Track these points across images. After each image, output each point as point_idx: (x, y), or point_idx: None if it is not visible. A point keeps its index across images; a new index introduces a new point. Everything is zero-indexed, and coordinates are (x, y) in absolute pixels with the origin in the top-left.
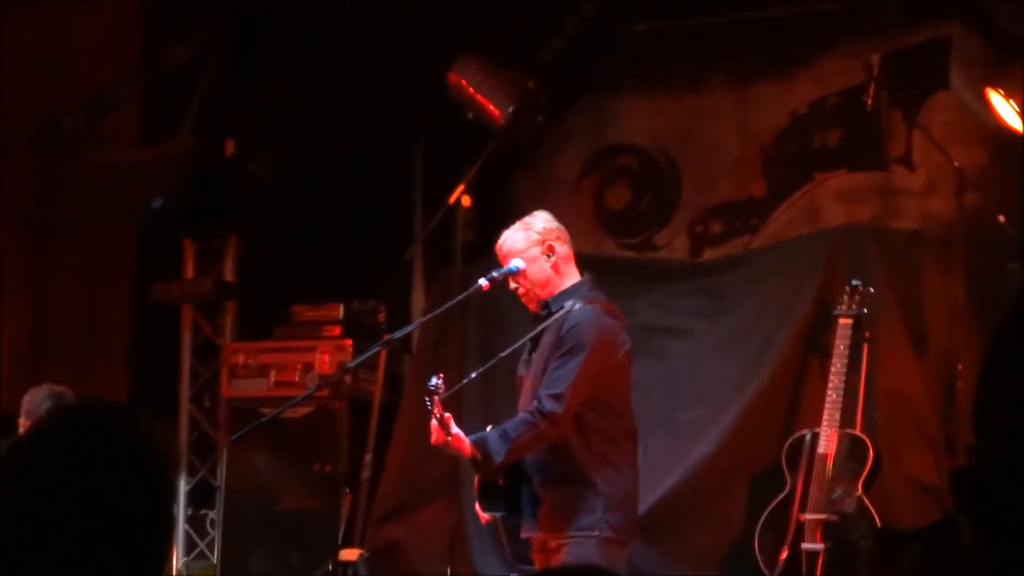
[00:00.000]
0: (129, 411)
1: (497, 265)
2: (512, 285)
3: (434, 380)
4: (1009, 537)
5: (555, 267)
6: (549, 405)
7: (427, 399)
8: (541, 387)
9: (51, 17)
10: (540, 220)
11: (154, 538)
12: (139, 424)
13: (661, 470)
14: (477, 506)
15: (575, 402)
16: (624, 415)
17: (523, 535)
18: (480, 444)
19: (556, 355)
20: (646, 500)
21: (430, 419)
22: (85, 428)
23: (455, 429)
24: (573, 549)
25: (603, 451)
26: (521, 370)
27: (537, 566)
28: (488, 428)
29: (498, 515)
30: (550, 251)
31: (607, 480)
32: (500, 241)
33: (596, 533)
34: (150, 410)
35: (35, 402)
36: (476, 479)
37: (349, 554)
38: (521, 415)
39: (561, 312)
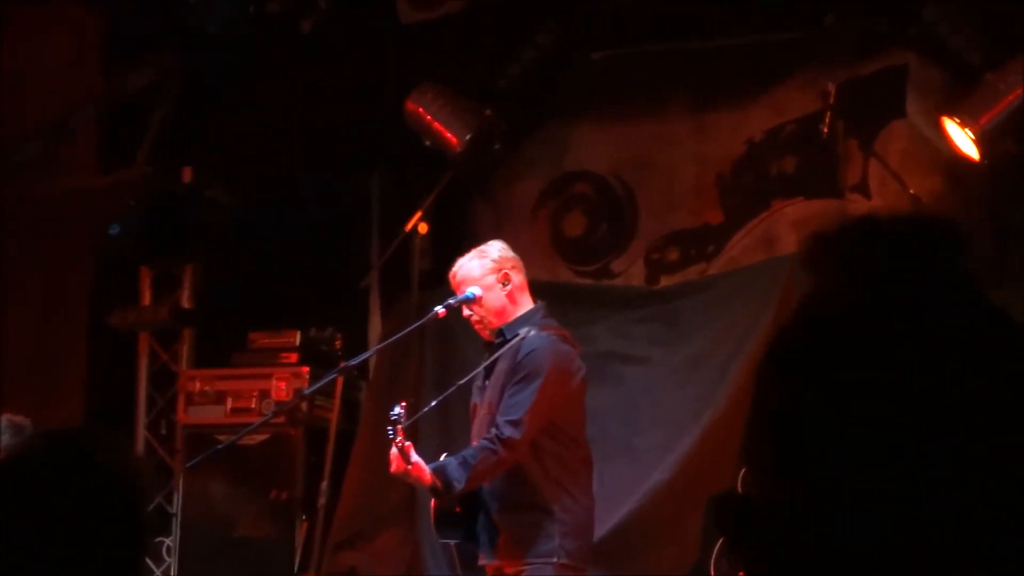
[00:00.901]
0: (106, 437)
1: (454, 293)
2: (466, 313)
3: (397, 409)
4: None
5: (510, 295)
6: (507, 431)
7: (389, 428)
8: (498, 414)
9: (7, 45)
10: (495, 249)
11: (126, 562)
12: (115, 450)
13: (618, 496)
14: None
15: (533, 428)
16: (580, 442)
17: (480, 562)
18: (440, 472)
19: (512, 382)
20: (603, 526)
21: (389, 448)
22: (62, 454)
23: (415, 457)
24: None
25: (560, 478)
26: (475, 397)
27: None
28: (444, 456)
29: (453, 543)
30: (505, 279)
31: (564, 507)
32: (454, 269)
33: (554, 560)
34: (124, 437)
35: None
36: (432, 507)
37: None
38: (480, 442)
39: (516, 339)
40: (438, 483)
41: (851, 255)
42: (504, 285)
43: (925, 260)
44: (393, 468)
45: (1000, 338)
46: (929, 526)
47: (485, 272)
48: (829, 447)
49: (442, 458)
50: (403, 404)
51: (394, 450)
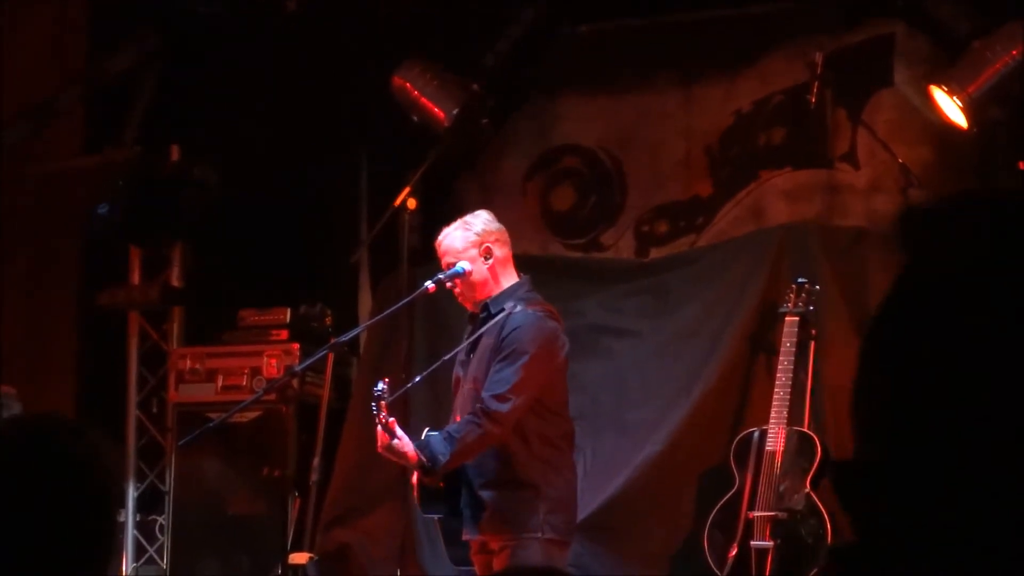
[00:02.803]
0: (74, 426)
1: (442, 268)
2: (448, 285)
3: (380, 385)
4: (888, 535)
5: (491, 269)
6: (493, 405)
7: (373, 404)
8: (484, 390)
9: None
10: (480, 221)
11: (96, 550)
12: (83, 439)
13: (610, 470)
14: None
15: (518, 403)
16: (563, 416)
17: (464, 537)
18: (424, 447)
19: (498, 358)
20: (595, 500)
21: (376, 425)
22: (29, 442)
23: (400, 433)
24: (517, 551)
25: (544, 454)
26: (458, 371)
27: (477, 568)
28: (427, 431)
29: (436, 517)
30: (487, 253)
31: (548, 483)
32: (440, 238)
33: (539, 535)
34: (95, 425)
35: None
36: (414, 483)
37: (299, 558)
38: (464, 417)
39: (501, 315)
40: (423, 458)
41: (950, 228)
42: (486, 259)
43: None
44: (380, 445)
45: None
46: None
47: (467, 245)
48: (948, 413)
49: (424, 434)
50: (386, 380)
51: (379, 427)
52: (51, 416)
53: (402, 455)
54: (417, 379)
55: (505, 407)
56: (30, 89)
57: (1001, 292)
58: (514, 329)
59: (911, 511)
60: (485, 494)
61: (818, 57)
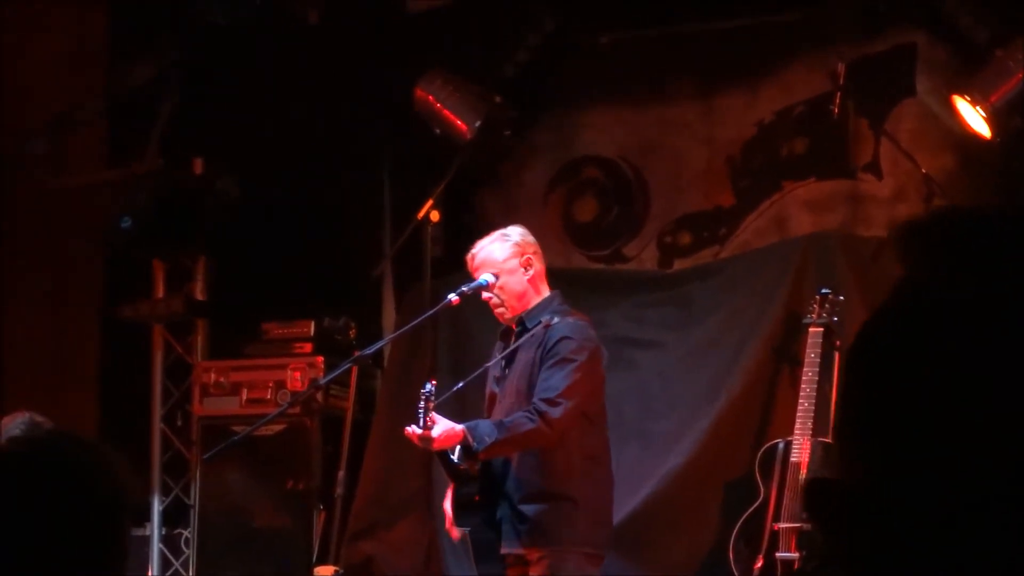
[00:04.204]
0: (83, 441)
1: (466, 279)
2: (486, 295)
3: (428, 386)
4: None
5: (532, 281)
6: (545, 408)
7: (420, 403)
8: (534, 396)
9: (11, 41)
10: (517, 233)
11: (106, 564)
12: (93, 453)
13: (634, 481)
14: (449, 522)
15: (570, 408)
16: (602, 429)
17: (502, 551)
18: (472, 429)
19: (547, 365)
20: (619, 512)
21: (417, 421)
22: (38, 456)
23: (444, 423)
24: (553, 563)
25: (583, 467)
26: (492, 386)
27: None
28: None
29: (467, 530)
30: (528, 264)
31: (587, 495)
32: (474, 250)
33: (577, 548)
34: (110, 441)
35: (8, 426)
36: (451, 492)
37: (324, 571)
38: (519, 412)
39: (538, 327)
40: (469, 438)
41: (945, 244)
42: (526, 270)
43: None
44: (418, 440)
45: None
46: None
47: (508, 255)
48: (924, 435)
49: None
50: (433, 381)
51: (416, 429)
52: (61, 432)
53: (448, 434)
54: (460, 385)
55: (557, 411)
56: (51, 102)
57: (994, 311)
58: (561, 339)
59: (893, 538)
60: (526, 507)
61: (840, 67)
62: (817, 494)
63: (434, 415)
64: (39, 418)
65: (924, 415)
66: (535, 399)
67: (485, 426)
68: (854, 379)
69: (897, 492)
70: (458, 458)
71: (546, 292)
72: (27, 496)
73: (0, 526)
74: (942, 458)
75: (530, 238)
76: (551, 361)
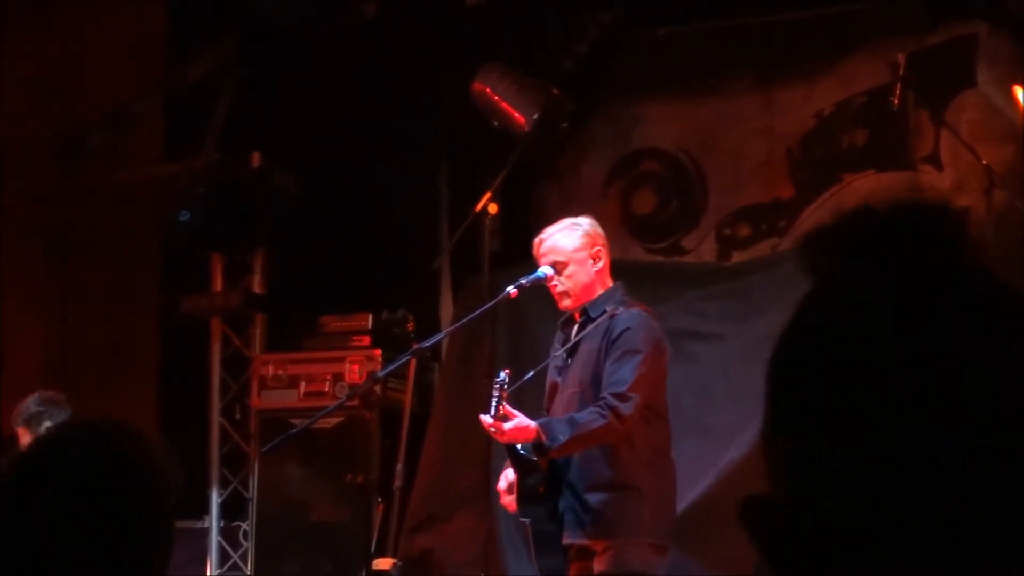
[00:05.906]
0: (127, 430)
1: (525, 270)
2: (552, 282)
3: (501, 375)
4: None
5: (599, 273)
6: (616, 403)
7: (495, 392)
8: (603, 389)
9: (71, 34)
10: (588, 223)
11: (149, 555)
12: (136, 443)
13: (693, 474)
14: (504, 500)
15: (639, 401)
16: (664, 419)
17: (565, 541)
18: (545, 426)
19: (612, 358)
20: (680, 504)
21: (489, 410)
22: (79, 445)
23: (515, 413)
24: (618, 554)
25: (648, 458)
26: (554, 376)
27: (573, 573)
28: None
29: (528, 522)
30: (597, 256)
31: (651, 486)
32: (543, 237)
33: (641, 539)
34: (155, 432)
35: (25, 407)
36: (515, 483)
37: (382, 563)
38: (590, 407)
39: (603, 317)
40: (542, 436)
41: (850, 245)
42: (595, 262)
43: (925, 245)
44: (494, 433)
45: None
46: (952, 526)
47: (578, 246)
48: (843, 445)
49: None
50: (507, 371)
51: (486, 418)
52: (104, 420)
53: (521, 430)
54: (531, 374)
55: (627, 406)
56: (111, 97)
57: (914, 316)
58: (625, 329)
59: (822, 552)
60: (591, 497)
61: (900, 58)
62: (750, 511)
63: (509, 407)
64: (48, 393)
65: (837, 421)
66: (604, 392)
67: (558, 424)
68: (771, 391)
69: (821, 501)
70: (528, 451)
71: (609, 283)
72: (64, 484)
73: (37, 515)
74: (860, 462)
75: (600, 230)
76: (617, 352)
